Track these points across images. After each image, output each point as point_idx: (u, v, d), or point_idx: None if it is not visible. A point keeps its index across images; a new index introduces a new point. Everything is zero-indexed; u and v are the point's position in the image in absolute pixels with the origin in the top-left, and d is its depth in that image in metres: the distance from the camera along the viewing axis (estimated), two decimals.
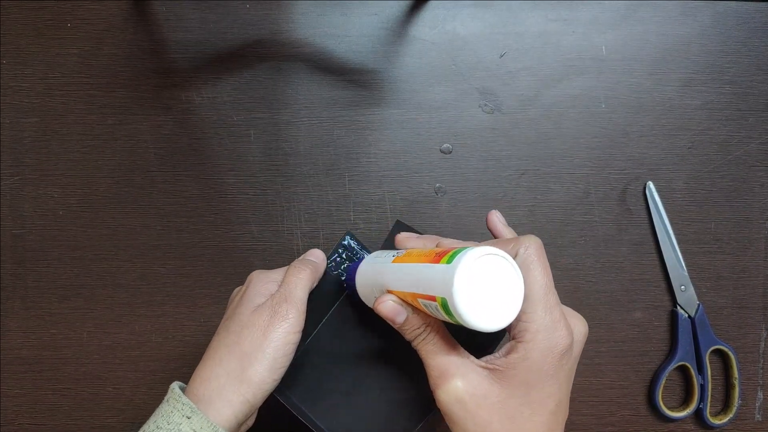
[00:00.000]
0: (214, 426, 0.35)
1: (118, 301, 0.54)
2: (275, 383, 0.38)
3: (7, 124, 0.54)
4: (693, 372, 0.54)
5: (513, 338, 0.34)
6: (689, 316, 0.55)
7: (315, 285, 0.42)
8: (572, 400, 0.56)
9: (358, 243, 0.45)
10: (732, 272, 0.55)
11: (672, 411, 0.55)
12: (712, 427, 0.55)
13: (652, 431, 0.56)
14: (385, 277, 0.37)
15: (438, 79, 0.55)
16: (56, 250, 0.54)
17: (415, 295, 0.33)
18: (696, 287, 0.55)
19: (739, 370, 0.55)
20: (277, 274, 0.42)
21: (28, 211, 0.54)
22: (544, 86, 0.55)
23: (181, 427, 0.35)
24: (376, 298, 0.36)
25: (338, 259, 0.45)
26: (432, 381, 0.35)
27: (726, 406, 0.56)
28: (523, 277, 0.32)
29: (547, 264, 0.34)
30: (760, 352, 0.56)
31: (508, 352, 0.34)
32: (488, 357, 0.35)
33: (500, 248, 0.31)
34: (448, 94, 0.55)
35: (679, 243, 0.55)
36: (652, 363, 0.55)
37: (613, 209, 0.55)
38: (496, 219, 0.40)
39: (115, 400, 0.54)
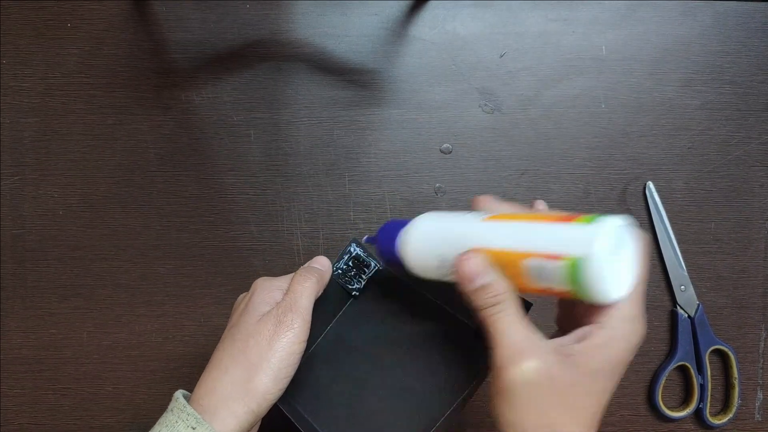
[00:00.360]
0: None
1: (118, 301, 0.54)
2: (280, 393, 0.38)
3: (7, 124, 0.54)
4: (693, 372, 0.54)
5: (589, 323, 0.32)
6: (689, 316, 0.55)
7: (320, 293, 0.42)
8: None
9: (365, 250, 0.45)
10: (732, 272, 0.55)
11: (672, 411, 0.55)
12: (711, 426, 0.55)
13: (652, 431, 0.56)
14: (476, 236, 0.33)
15: (438, 79, 0.55)
16: (56, 250, 0.54)
17: (527, 255, 0.31)
18: (696, 287, 0.55)
19: (738, 370, 0.55)
20: (282, 281, 0.41)
21: (28, 211, 0.54)
22: (544, 86, 0.55)
23: None
24: (460, 255, 0.33)
25: (344, 266, 0.45)
26: (502, 358, 0.32)
27: (726, 406, 0.56)
28: None
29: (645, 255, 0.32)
30: (760, 352, 0.56)
31: (583, 338, 0.31)
32: (558, 340, 0.32)
33: None
34: (448, 94, 0.55)
35: (678, 243, 0.55)
36: (651, 363, 0.55)
37: (613, 209, 0.55)
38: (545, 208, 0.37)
39: (114, 399, 0.54)
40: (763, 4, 0.55)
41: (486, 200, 0.37)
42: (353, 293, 0.44)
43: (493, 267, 0.32)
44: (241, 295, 0.43)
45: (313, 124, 0.55)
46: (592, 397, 0.32)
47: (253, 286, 0.42)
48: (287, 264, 0.54)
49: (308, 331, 0.38)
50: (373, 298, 0.44)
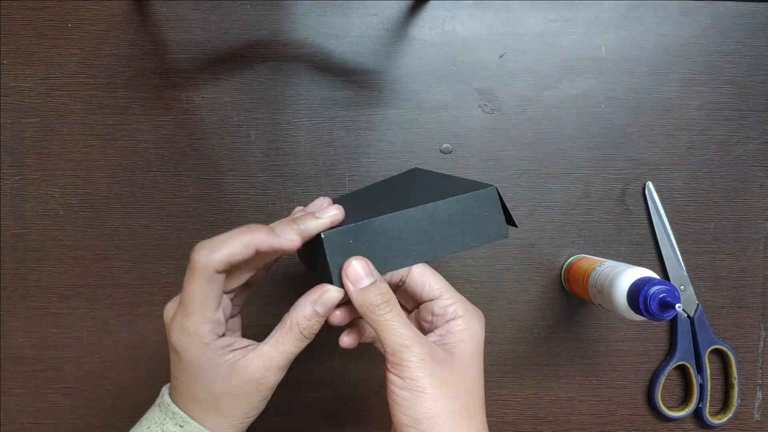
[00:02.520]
0: None
1: (118, 301, 0.54)
2: (262, 407, 0.36)
3: (7, 124, 0.54)
4: (692, 372, 0.54)
5: (442, 317, 0.36)
6: (688, 316, 0.55)
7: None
8: (572, 399, 0.56)
9: None
10: (731, 272, 0.56)
11: (671, 410, 0.55)
12: (711, 426, 0.55)
13: (652, 431, 0.56)
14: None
15: (438, 80, 0.55)
16: (57, 250, 0.54)
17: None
18: (695, 287, 0.55)
19: (738, 369, 0.55)
20: (192, 317, 0.35)
21: (29, 210, 0.54)
22: (543, 86, 0.55)
23: None
24: (347, 261, 0.34)
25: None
26: (393, 345, 0.33)
27: (725, 405, 0.56)
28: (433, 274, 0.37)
29: None
30: (759, 351, 0.56)
31: (447, 333, 0.36)
32: (432, 335, 0.36)
33: None
34: (448, 94, 0.55)
35: (678, 243, 0.55)
36: (651, 363, 0.56)
37: (613, 209, 0.55)
38: None
39: (116, 399, 0.54)
40: (763, 4, 0.55)
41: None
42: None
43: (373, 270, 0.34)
44: (169, 305, 0.39)
45: (313, 124, 0.55)
46: (473, 382, 0.35)
47: (165, 317, 0.38)
48: (288, 263, 0.54)
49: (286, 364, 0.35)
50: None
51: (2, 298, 0.54)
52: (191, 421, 0.35)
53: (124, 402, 0.54)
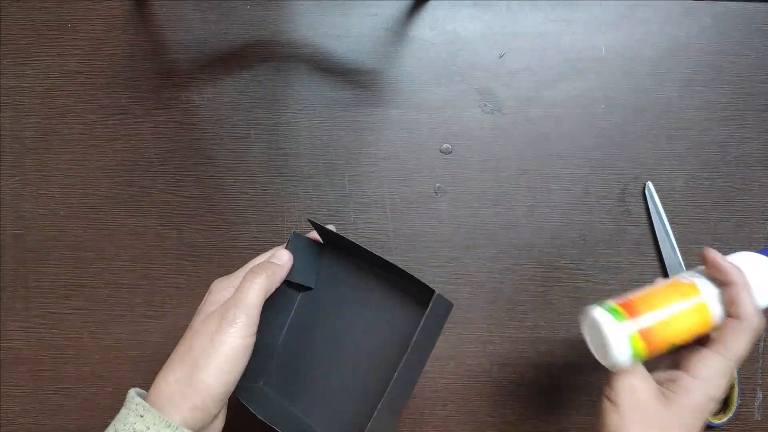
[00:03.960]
0: (166, 420, 0.36)
1: (118, 301, 0.54)
2: (226, 387, 0.38)
3: (7, 124, 0.54)
4: None
5: (685, 370, 0.39)
6: None
7: (275, 287, 0.42)
8: (572, 399, 0.56)
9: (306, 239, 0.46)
10: None
11: None
12: (711, 426, 0.55)
13: None
14: None
15: (438, 79, 0.55)
16: (57, 250, 0.54)
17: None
18: None
19: (738, 369, 0.55)
20: (236, 278, 0.42)
21: (29, 211, 0.54)
22: (543, 86, 0.55)
23: (135, 426, 0.36)
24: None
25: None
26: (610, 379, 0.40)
27: (725, 405, 0.56)
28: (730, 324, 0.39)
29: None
30: (760, 351, 0.56)
31: (673, 379, 0.39)
32: (656, 374, 0.41)
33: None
34: (448, 94, 0.55)
35: (678, 243, 0.55)
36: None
37: (613, 209, 0.55)
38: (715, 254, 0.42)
39: (115, 399, 0.54)
40: (763, 4, 0.55)
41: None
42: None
43: None
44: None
45: (313, 124, 0.55)
46: (682, 428, 0.38)
47: (209, 288, 0.42)
48: None
49: (254, 325, 0.39)
50: (324, 284, 0.47)
51: (2, 298, 0.54)
52: (151, 409, 0.36)
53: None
